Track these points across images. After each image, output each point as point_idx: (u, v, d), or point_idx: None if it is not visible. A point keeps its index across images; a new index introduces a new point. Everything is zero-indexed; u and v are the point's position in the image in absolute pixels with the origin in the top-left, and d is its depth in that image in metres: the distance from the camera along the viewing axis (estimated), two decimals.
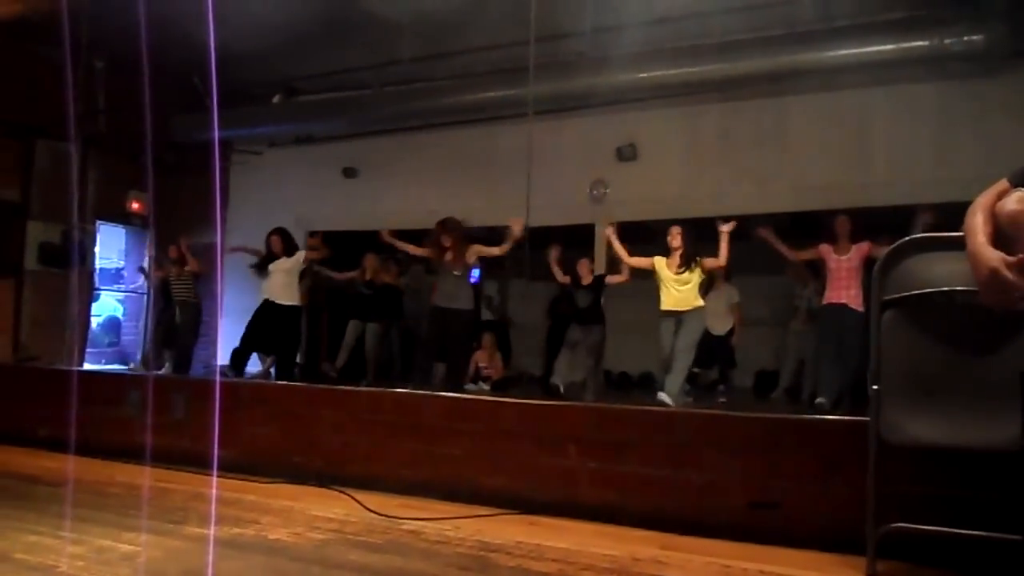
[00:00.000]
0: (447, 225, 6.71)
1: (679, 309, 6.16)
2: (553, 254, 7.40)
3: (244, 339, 7.30)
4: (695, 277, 6.16)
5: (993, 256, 2.05)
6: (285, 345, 7.68)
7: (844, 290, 6.16)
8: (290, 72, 9.50)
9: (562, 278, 7.41)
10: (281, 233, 7.57)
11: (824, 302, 6.34)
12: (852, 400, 6.19)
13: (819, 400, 6.16)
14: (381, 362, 8.79)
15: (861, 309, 6.07)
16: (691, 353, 6.15)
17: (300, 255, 7.50)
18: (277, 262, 7.40)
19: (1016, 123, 6.60)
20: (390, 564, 2.71)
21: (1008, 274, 2.01)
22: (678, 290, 6.17)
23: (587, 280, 7.36)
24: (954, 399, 2.51)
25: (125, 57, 6.55)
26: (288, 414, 4.40)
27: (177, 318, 8.40)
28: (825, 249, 6.34)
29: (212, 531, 3.07)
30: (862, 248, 6.16)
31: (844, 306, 6.15)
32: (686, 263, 6.15)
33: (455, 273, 6.63)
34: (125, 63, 6.67)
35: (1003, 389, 2.35)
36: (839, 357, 6.22)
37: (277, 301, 7.33)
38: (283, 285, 7.37)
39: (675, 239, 6.24)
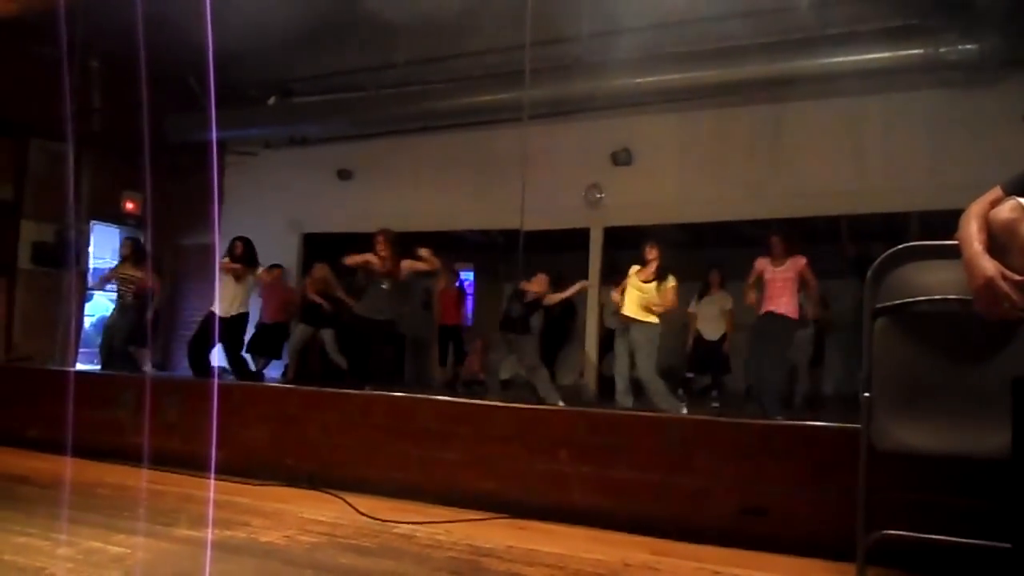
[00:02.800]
0: (385, 235, 6.86)
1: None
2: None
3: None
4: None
5: (990, 267, 2.06)
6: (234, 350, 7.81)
7: (778, 298, 6.40)
8: (286, 74, 9.51)
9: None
10: (245, 242, 7.70)
11: (762, 311, 6.52)
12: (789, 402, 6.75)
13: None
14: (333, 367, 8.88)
15: (795, 317, 6.40)
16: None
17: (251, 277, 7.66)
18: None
19: (1010, 131, 6.64)
20: (381, 568, 2.71)
21: (1004, 285, 2.02)
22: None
23: (529, 298, 7.46)
24: (945, 406, 2.52)
25: (120, 57, 6.55)
26: (280, 416, 4.39)
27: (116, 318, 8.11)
28: (762, 262, 6.59)
29: (203, 533, 3.06)
30: (798, 262, 6.42)
31: (772, 313, 6.39)
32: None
33: (383, 286, 6.76)
34: (120, 63, 6.68)
35: (994, 396, 2.35)
36: (771, 361, 6.52)
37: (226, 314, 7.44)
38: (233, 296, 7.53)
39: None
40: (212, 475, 4.06)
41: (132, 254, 8.12)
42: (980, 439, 2.44)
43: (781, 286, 6.41)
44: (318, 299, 8.72)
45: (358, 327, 6.85)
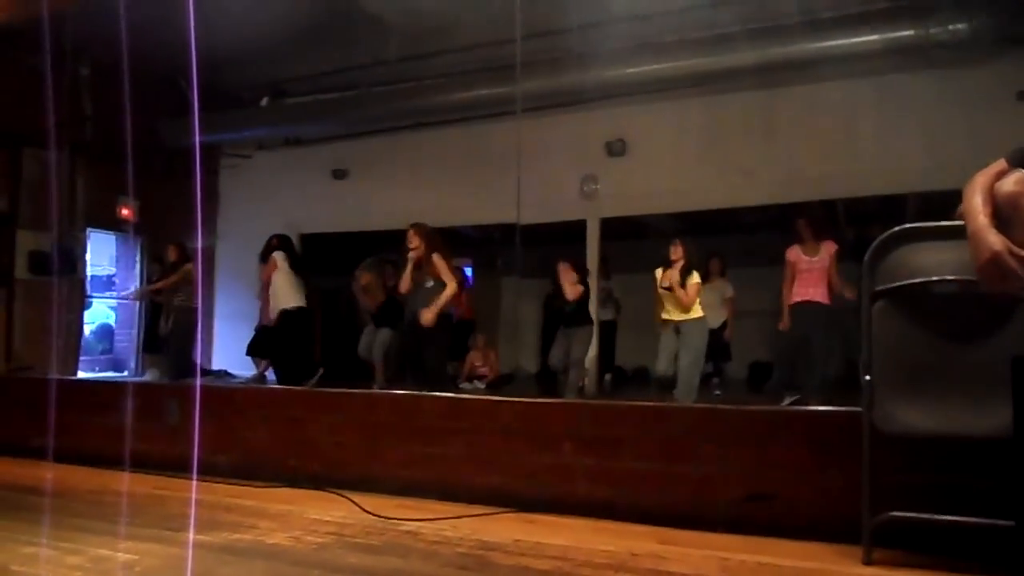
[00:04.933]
0: (417, 228, 6.44)
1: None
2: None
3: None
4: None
5: (997, 241, 2.02)
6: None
7: (814, 287, 6.32)
8: (277, 74, 9.49)
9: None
10: (281, 238, 7.74)
11: (796, 300, 6.39)
12: (841, 387, 6.35)
13: (790, 399, 6.33)
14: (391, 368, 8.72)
15: (827, 302, 6.30)
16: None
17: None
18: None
19: (1001, 111, 6.65)
20: (389, 565, 2.71)
21: (1010, 260, 1.99)
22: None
23: (572, 295, 7.07)
24: (946, 387, 2.53)
25: (111, 63, 6.51)
26: (284, 417, 4.40)
27: (169, 323, 8.12)
28: (794, 253, 6.45)
29: (210, 537, 3.06)
30: (830, 248, 6.36)
31: (816, 303, 6.31)
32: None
33: (427, 284, 6.33)
34: (111, 69, 6.64)
35: (994, 376, 2.36)
36: (815, 352, 6.38)
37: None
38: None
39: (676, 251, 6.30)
40: (194, 476, 4.06)
41: (179, 259, 8.19)
42: (981, 419, 2.45)
43: (818, 276, 6.32)
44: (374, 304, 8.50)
45: (416, 328, 6.38)
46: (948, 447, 2.68)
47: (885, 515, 2.60)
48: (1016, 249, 2.00)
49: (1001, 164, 2.18)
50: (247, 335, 8.68)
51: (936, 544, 2.65)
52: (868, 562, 2.61)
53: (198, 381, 6.42)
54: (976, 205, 2.11)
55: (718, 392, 8.33)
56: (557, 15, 7.37)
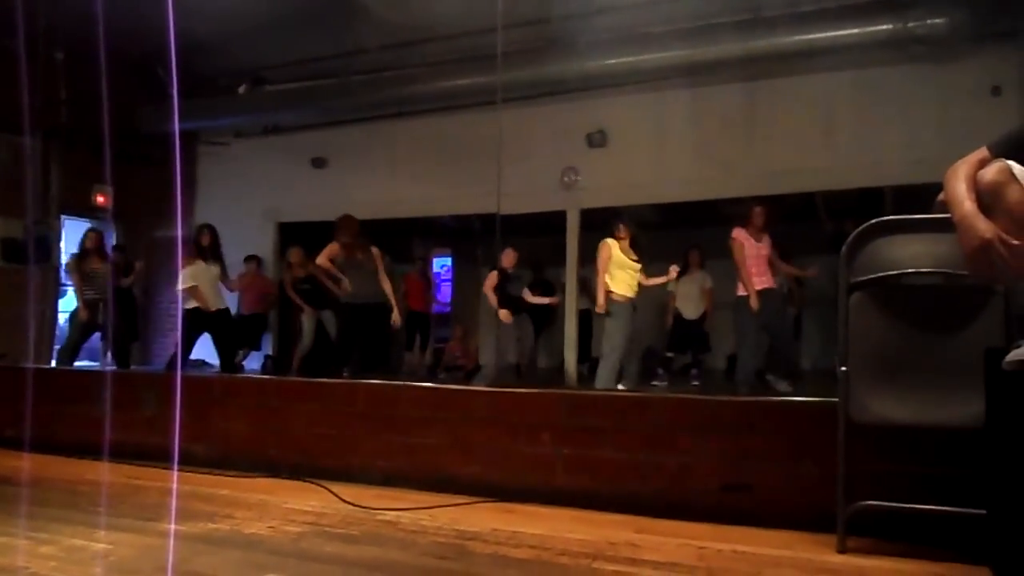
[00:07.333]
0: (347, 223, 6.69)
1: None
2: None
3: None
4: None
5: (988, 229, 2.00)
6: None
7: (766, 275, 6.51)
8: (256, 61, 9.39)
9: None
10: (212, 230, 7.38)
11: (762, 287, 6.45)
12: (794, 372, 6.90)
13: (777, 382, 6.52)
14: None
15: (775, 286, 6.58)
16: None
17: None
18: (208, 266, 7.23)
19: (978, 105, 6.72)
20: (367, 555, 2.71)
21: (1001, 249, 1.98)
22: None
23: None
24: (920, 378, 2.56)
25: (86, 47, 6.42)
26: (261, 407, 4.37)
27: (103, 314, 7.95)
28: (743, 235, 6.52)
29: (186, 527, 3.04)
30: (768, 239, 6.59)
31: (771, 289, 6.51)
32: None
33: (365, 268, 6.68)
34: (87, 53, 6.54)
35: (967, 368, 2.39)
36: (782, 338, 6.77)
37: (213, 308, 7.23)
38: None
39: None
40: (175, 466, 4.03)
41: (97, 248, 7.91)
42: (955, 409, 2.48)
43: (764, 262, 6.49)
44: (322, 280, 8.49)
45: (352, 312, 6.68)
46: (922, 437, 2.72)
47: (859, 504, 2.63)
48: (1006, 237, 1.98)
49: (983, 152, 2.18)
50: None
51: (909, 532, 2.68)
52: (842, 550, 2.64)
53: (179, 370, 6.34)
54: (962, 192, 2.09)
55: (696, 383, 8.39)
56: (539, 5, 7.36)
